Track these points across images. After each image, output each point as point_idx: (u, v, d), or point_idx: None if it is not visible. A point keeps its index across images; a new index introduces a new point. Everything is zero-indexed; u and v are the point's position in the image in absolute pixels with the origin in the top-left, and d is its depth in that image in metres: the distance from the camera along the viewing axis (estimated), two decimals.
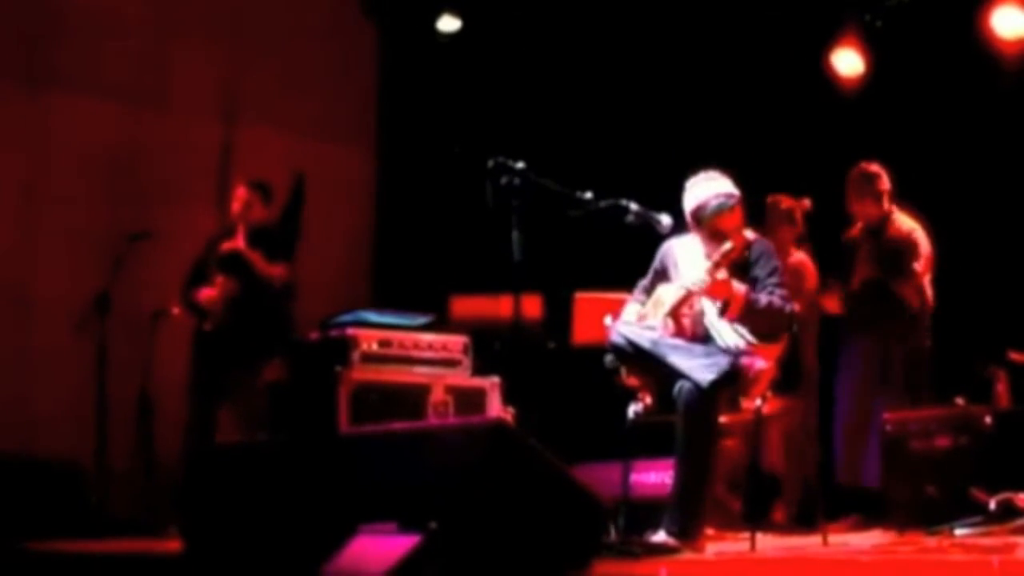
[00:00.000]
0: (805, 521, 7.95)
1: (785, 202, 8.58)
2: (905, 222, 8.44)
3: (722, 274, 6.38)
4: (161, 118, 10.25)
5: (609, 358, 6.65)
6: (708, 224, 6.60)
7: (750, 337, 6.52)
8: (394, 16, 11.25)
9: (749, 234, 6.71)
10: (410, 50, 11.18)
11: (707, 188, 6.65)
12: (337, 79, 11.13)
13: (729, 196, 6.61)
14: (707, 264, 6.47)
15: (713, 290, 6.42)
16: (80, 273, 9.42)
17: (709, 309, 6.57)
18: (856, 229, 8.64)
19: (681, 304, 6.56)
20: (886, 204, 8.46)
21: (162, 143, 10.23)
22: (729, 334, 6.53)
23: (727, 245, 6.41)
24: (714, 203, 6.59)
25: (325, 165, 10.47)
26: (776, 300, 6.50)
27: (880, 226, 8.48)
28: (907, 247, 8.35)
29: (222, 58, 10.55)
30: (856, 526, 8.00)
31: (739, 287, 6.43)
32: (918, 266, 8.30)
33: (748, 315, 6.44)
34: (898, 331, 8.32)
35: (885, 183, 8.45)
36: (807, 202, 8.56)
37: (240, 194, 8.96)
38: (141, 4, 10.24)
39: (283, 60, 10.72)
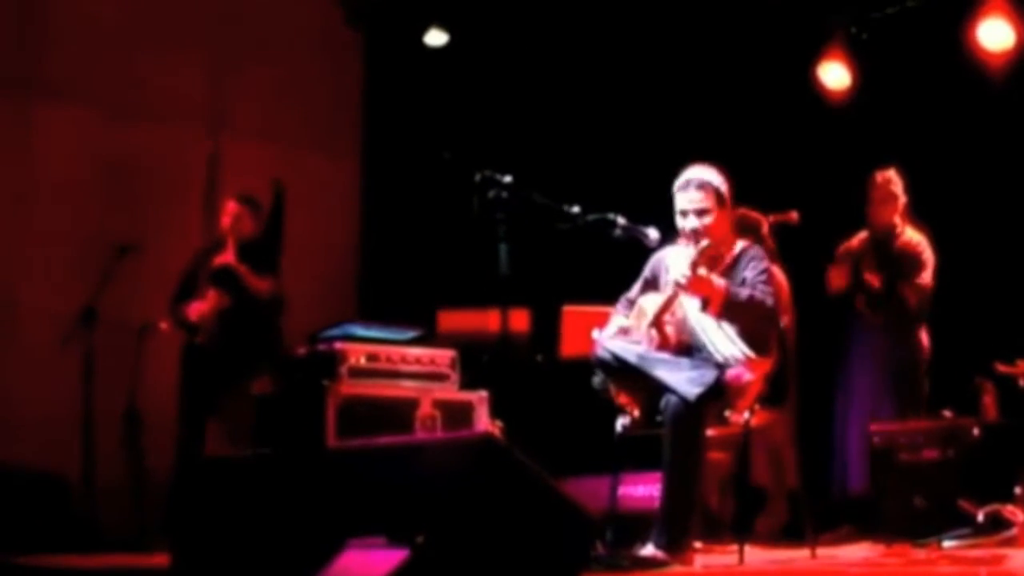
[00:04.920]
0: (794, 533, 7.95)
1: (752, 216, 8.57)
2: (914, 235, 8.50)
3: (701, 271, 6.40)
4: (147, 128, 10.22)
5: (597, 379, 6.64)
6: (678, 203, 6.67)
7: (745, 348, 6.52)
8: (380, 26, 11.24)
9: (740, 243, 6.72)
10: (396, 61, 11.18)
11: (689, 172, 6.73)
12: (323, 90, 11.12)
13: (699, 179, 6.65)
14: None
15: (693, 286, 6.41)
16: (67, 284, 9.41)
17: (698, 319, 6.57)
18: (857, 240, 8.67)
19: (663, 311, 6.56)
20: (899, 215, 8.53)
21: (149, 153, 10.21)
22: (723, 343, 6.53)
23: (703, 243, 6.45)
24: (683, 183, 6.68)
25: (311, 176, 10.47)
26: (757, 294, 6.50)
27: (888, 236, 8.53)
28: (917, 256, 8.43)
29: (209, 68, 10.54)
30: (848, 537, 8.00)
31: (719, 282, 6.44)
32: (926, 276, 8.38)
33: (730, 310, 6.44)
34: (903, 338, 8.40)
35: (903, 194, 8.52)
36: (794, 215, 8.55)
37: (231, 208, 8.95)
38: (128, 14, 10.22)
39: (269, 71, 10.71)
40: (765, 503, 8.39)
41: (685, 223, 6.64)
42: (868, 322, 8.57)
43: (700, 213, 6.63)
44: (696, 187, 6.64)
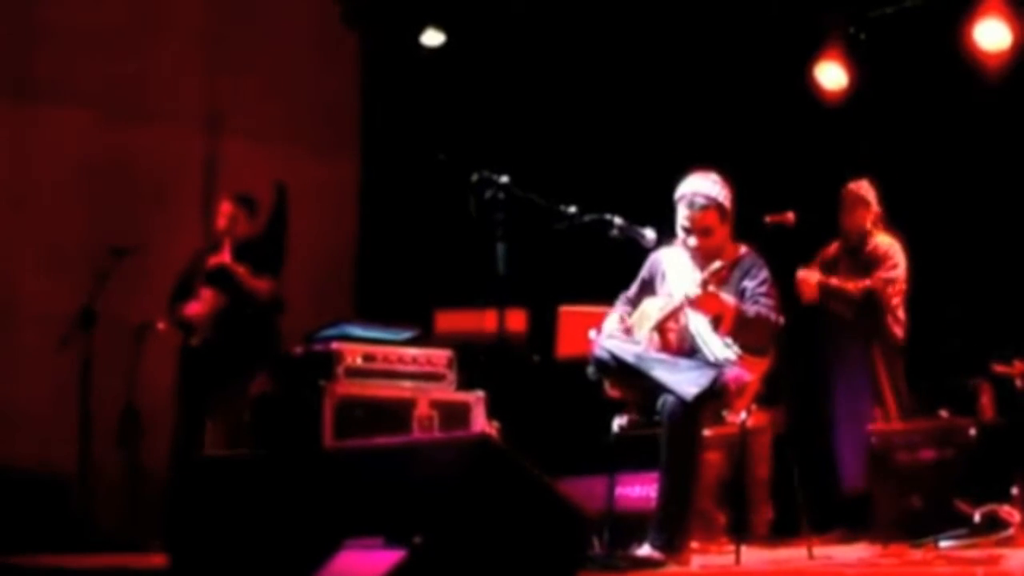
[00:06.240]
0: (790, 532, 7.94)
1: None
2: (883, 240, 8.54)
3: (712, 288, 6.38)
4: (144, 129, 10.23)
5: (592, 369, 6.64)
6: (681, 218, 6.60)
7: (738, 350, 6.51)
8: (376, 26, 11.22)
9: (741, 248, 6.71)
10: (393, 61, 11.17)
11: (692, 184, 6.64)
12: (320, 90, 11.12)
13: (704, 196, 6.58)
14: (696, 277, 6.47)
15: (703, 304, 6.40)
16: (65, 284, 9.41)
17: (696, 322, 6.56)
18: (833, 248, 8.72)
19: (668, 318, 6.55)
20: (871, 223, 8.56)
21: (146, 154, 10.22)
22: (718, 347, 6.52)
23: (716, 264, 6.40)
24: (688, 198, 6.59)
25: (308, 176, 10.46)
26: (763, 310, 6.50)
27: (859, 243, 8.58)
28: (884, 258, 8.47)
29: (205, 69, 10.54)
30: (844, 537, 8.00)
31: (729, 300, 6.43)
32: (893, 272, 8.40)
33: (739, 328, 6.43)
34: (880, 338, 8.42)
35: (875, 203, 8.55)
36: (791, 215, 8.54)
37: (225, 209, 8.96)
38: (123, 15, 10.22)
39: (265, 71, 10.72)
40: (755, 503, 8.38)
41: (688, 239, 6.61)
42: (842, 322, 8.59)
43: (704, 233, 6.59)
44: (700, 207, 6.56)
